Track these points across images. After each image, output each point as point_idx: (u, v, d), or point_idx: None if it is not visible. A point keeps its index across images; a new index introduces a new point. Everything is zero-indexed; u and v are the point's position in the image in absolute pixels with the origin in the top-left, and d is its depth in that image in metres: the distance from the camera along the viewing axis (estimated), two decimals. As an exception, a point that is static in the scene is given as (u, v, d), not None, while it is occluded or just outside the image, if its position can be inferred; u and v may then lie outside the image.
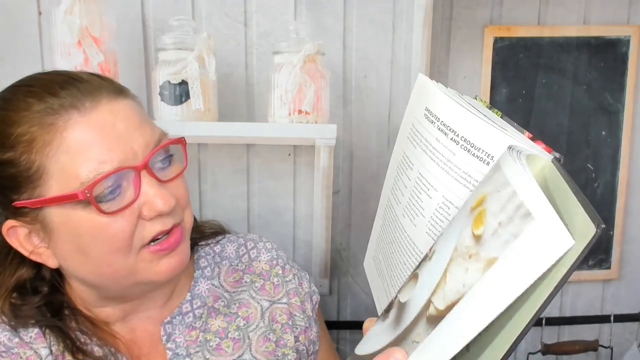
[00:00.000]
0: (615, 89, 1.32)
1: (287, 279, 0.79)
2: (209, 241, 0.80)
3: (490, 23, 1.25)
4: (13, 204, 0.60)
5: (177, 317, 0.72)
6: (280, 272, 0.79)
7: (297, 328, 0.77)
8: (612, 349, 1.39)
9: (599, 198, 1.36)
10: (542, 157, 0.42)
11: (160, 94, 1.01)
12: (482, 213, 0.41)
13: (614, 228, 1.37)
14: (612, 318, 1.38)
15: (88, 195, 0.57)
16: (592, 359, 1.45)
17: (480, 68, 1.26)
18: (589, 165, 1.35)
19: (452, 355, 0.38)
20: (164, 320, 0.72)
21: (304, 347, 0.78)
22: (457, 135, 0.49)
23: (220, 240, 0.81)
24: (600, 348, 1.38)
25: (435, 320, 0.40)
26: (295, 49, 1.01)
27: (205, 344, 0.72)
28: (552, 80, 1.29)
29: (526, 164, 0.41)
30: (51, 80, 0.61)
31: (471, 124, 0.48)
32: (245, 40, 1.18)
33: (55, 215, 0.59)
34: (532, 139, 0.48)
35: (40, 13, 1.12)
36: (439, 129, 0.51)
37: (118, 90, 0.63)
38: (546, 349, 1.36)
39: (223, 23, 1.17)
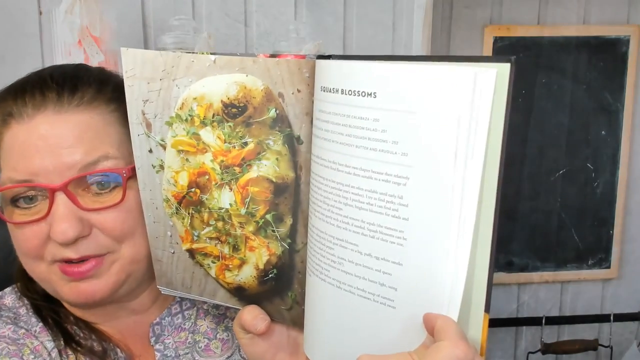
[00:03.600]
0: (615, 88, 1.32)
1: None
2: None
3: (490, 23, 1.25)
4: None
5: (166, 318, 0.72)
6: None
7: None
8: (611, 348, 1.39)
9: (599, 198, 1.36)
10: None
11: (161, 93, 1.01)
12: None
13: (614, 227, 1.37)
14: (611, 317, 1.39)
15: None
16: (591, 358, 1.45)
17: (480, 68, 1.26)
18: (589, 165, 1.35)
19: None
20: (153, 321, 0.72)
21: None
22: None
23: None
24: (599, 347, 1.38)
25: None
26: (295, 48, 1.01)
27: (194, 345, 0.72)
28: (552, 80, 1.29)
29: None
30: (24, 83, 0.62)
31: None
32: (245, 40, 1.18)
33: None
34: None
35: (40, 13, 1.12)
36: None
37: (81, 100, 0.61)
38: (546, 348, 1.37)
39: (223, 23, 1.17)
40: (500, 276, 1.37)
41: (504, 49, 1.26)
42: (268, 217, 0.51)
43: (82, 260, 0.59)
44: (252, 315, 0.55)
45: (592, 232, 1.38)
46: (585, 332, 1.42)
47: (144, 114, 0.55)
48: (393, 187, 0.40)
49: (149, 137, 0.55)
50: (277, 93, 0.47)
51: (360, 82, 0.41)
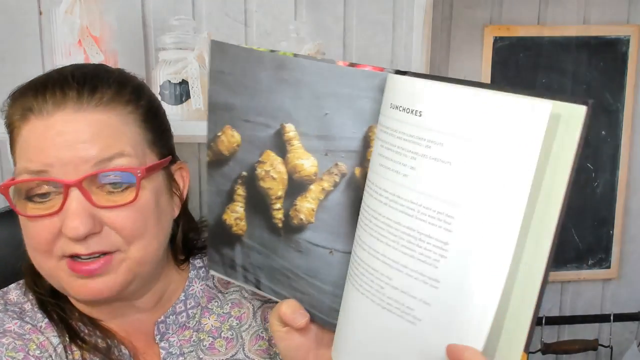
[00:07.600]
0: (615, 88, 1.32)
1: None
2: (205, 243, 0.81)
3: (490, 23, 1.25)
4: None
5: (170, 316, 0.72)
6: None
7: None
8: (611, 348, 1.40)
9: (598, 198, 1.36)
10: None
11: (161, 93, 1.01)
12: None
13: (614, 227, 1.37)
14: (611, 317, 1.39)
15: (2, 190, 0.59)
16: (591, 358, 1.45)
17: (480, 68, 1.26)
18: (588, 165, 1.35)
19: None
20: (158, 319, 0.72)
21: None
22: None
23: None
24: (600, 347, 1.38)
25: None
26: (295, 48, 1.01)
27: (199, 344, 0.72)
28: (552, 80, 1.29)
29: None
30: (46, 80, 0.63)
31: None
32: (246, 40, 1.18)
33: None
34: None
35: (40, 13, 1.12)
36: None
37: (100, 100, 0.61)
38: (546, 348, 1.37)
39: (223, 23, 1.17)
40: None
41: (504, 49, 1.26)
42: None
43: (91, 256, 0.60)
44: (291, 309, 0.55)
45: (592, 232, 1.38)
46: (585, 332, 1.42)
47: None
48: (442, 205, 0.41)
49: None
50: None
51: (414, 101, 0.42)
